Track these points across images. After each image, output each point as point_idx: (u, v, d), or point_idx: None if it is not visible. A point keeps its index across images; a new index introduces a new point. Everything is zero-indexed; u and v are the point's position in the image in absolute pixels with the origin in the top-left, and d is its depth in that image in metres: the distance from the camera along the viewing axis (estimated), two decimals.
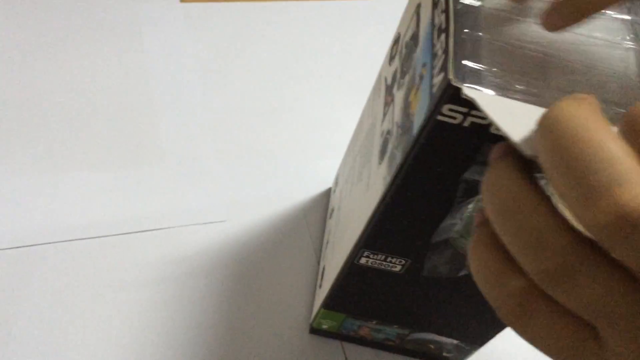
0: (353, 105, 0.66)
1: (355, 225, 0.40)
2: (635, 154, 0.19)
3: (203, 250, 0.53)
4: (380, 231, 0.36)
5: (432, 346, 0.48)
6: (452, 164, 0.30)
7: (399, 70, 0.39)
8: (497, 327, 0.44)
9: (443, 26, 0.30)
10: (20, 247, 0.51)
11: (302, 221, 0.57)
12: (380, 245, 0.38)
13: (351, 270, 0.41)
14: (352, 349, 0.50)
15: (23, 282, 0.49)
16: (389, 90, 0.41)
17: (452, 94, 0.27)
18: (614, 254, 0.18)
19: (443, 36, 0.29)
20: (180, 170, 0.58)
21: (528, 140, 0.22)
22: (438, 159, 0.30)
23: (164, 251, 0.53)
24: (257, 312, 0.50)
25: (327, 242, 0.52)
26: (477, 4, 0.31)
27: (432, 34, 0.32)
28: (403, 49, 0.40)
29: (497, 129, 0.23)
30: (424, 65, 0.32)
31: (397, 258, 0.39)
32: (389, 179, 0.33)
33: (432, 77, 0.29)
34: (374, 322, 0.46)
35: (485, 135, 0.28)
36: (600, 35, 0.33)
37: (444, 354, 0.49)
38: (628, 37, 0.34)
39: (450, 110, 0.27)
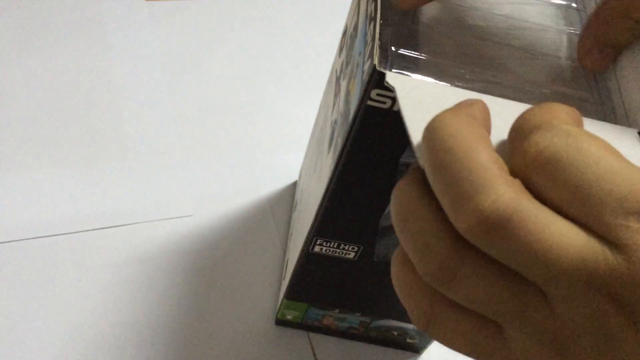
0: (318, 100, 0.66)
1: (310, 215, 0.41)
2: (501, 162, 0.20)
3: (169, 245, 0.54)
4: (330, 218, 0.37)
5: (395, 333, 0.49)
6: (387, 148, 0.31)
7: (344, 62, 0.40)
8: None
9: (372, 14, 0.30)
10: None
11: (269, 215, 0.58)
12: (331, 233, 0.38)
13: (307, 259, 0.41)
14: (319, 338, 0.51)
15: None
16: (337, 81, 0.42)
17: (378, 79, 0.27)
18: (487, 252, 0.20)
19: (372, 24, 0.30)
20: (145, 166, 0.58)
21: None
22: (373, 143, 0.31)
23: (129, 247, 0.53)
24: (224, 306, 0.51)
25: (291, 234, 0.53)
26: None
27: (365, 22, 0.33)
28: (348, 40, 0.40)
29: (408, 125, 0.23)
30: (359, 54, 0.33)
31: (350, 245, 0.39)
32: (333, 166, 0.34)
33: (363, 64, 0.30)
34: (336, 310, 0.47)
35: None
36: (535, 20, 0.34)
37: (408, 340, 0.50)
38: (561, 22, 0.35)
39: (379, 95, 0.28)
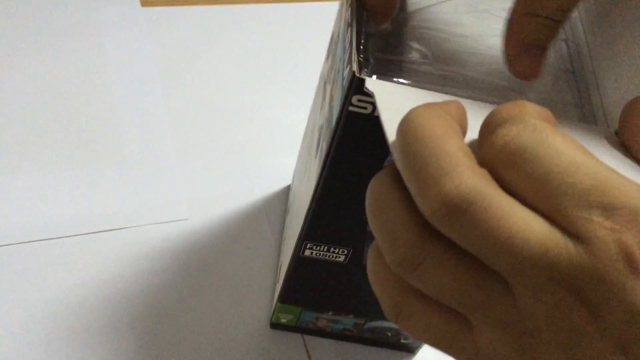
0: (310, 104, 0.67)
1: (300, 219, 0.41)
2: (469, 152, 0.21)
3: (165, 248, 0.54)
4: (318, 222, 0.38)
5: (389, 334, 0.49)
6: (371, 152, 0.31)
7: (330, 67, 0.40)
8: None
9: (349, 20, 0.31)
10: None
11: (263, 218, 0.58)
12: (320, 237, 0.39)
13: (298, 263, 0.42)
14: (314, 341, 0.51)
15: None
16: (324, 86, 0.42)
17: (358, 85, 0.28)
18: (453, 239, 0.20)
19: (349, 30, 0.30)
20: (141, 170, 0.59)
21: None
22: (356, 148, 0.31)
23: (125, 250, 0.53)
24: (219, 310, 0.51)
25: (285, 238, 0.53)
26: None
27: (344, 28, 0.33)
28: (333, 46, 0.41)
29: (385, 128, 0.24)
30: (340, 59, 0.33)
31: (340, 248, 0.40)
32: (319, 171, 0.35)
33: (343, 69, 0.30)
34: (330, 313, 0.47)
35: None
36: (501, 5, 0.34)
37: (402, 340, 0.50)
38: None
39: (360, 100, 0.29)
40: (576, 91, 0.32)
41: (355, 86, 0.28)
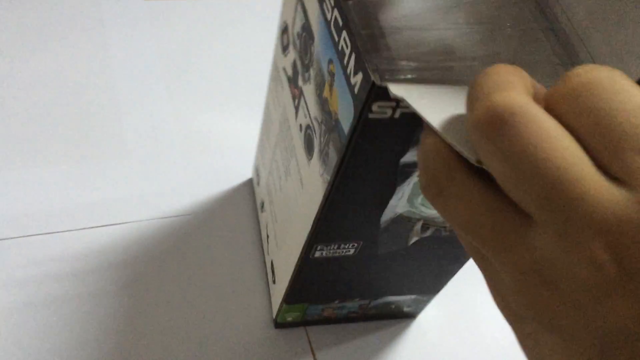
0: None
1: (301, 222, 0.40)
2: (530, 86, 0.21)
3: (162, 244, 0.54)
4: (330, 225, 0.37)
5: (392, 306, 0.50)
6: (389, 154, 0.31)
7: (298, 63, 0.39)
8: (450, 275, 0.46)
9: (340, 23, 0.30)
10: None
11: (233, 214, 0.57)
12: (331, 237, 0.38)
13: (307, 265, 0.41)
14: (316, 332, 0.51)
15: None
16: (293, 82, 0.41)
17: (378, 92, 0.27)
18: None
19: (344, 33, 0.29)
20: (143, 164, 0.58)
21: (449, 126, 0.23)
22: (375, 152, 0.31)
23: (125, 245, 0.53)
24: (215, 311, 0.50)
25: (268, 237, 0.52)
26: None
27: (328, 29, 0.32)
28: (296, 40, 0.39)
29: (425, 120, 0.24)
30: (330, 61, 0.32)
31: (350, 243, 0.39)
32: (327, 177, 0.34)
33: (347, 76, 0.29)
34: (336, 301, 0.47)
35: (416, 120, 0.29)
36: None
37: (404, 309, 0.51)
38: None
39: (380, 107, 0.28)
40: (557, 44, 0.32)
41: (376, 94, 0.27)
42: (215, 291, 0.52)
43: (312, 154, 0.37)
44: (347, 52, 0.29)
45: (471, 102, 0.20)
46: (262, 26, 0.73)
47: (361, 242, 0.39)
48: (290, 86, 0.42)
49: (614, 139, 0.18)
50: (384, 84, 0.26)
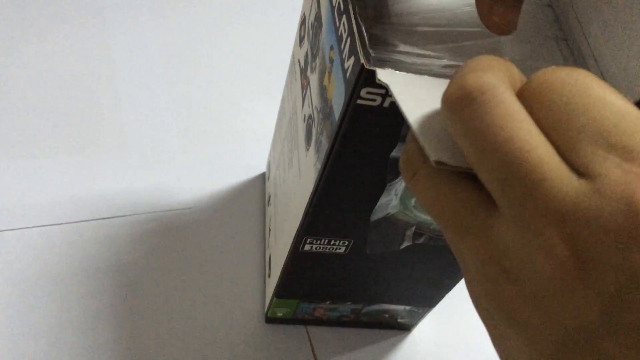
0: None
1: (294, 214, 0.40)
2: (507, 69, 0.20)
3: (166, 237, 0.53)
4: (319, 217, 0.36)
5: (386, 315, 0.49)
6: (379, 144, 0.30)
7: (309, 53, 0.39)
8: (445, 290, 0.45)
9: (342, 7, 0.29)
10: None
11: (243, 208, 0.56)
12: (321, 231, 0.38)
13: (297, 257, 0.41)
14: (316, 330, 0.50)
15: None
16: (303, 73, 0.41)
17: (367, 78, 0.26)
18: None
19: (344, 18, 0.29)
20: (143, 157, 0.58)
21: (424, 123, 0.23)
22: (364, 141, 0.30)
23: (126, 238, 0.52)
24: (210, 305, 0.50)
25: (269, 230, 0.52)
26: None
27: (332, 14, 0.31)
28: (309, 30, 0.39)
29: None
30: (331, 48, 0.32)
31: (340, 240, 0.39)
32: (319, 166, 0.33)
33: (342, 61, 0.29)
34: (328, 302, 0.47)
35: None
36: None
37: (399, 320, 0.50)
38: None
39: (369, 93, 0.27)
40: (569, 55, 0.31)
41: (364, 79, 0.26)
42: (212, 284, 0.51)
43: (310, 145, 0.36)
44: (344, 36, 0.29)
45: (453, 79, 0.20)
46: (269, 18, 0.72)
47: (352, 241, 0.39)
48: (301, 77, 0.42)
49: (574, 132, 0.18)
50: (372, 68, 0.26)
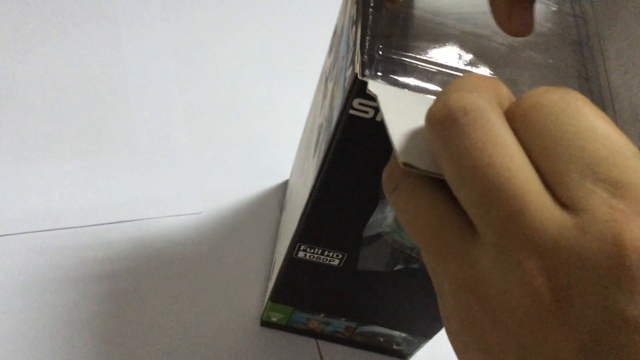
0: None
1: (294, 220, 0.40)
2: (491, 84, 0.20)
3: (174, 242, 0.53)
4: (313, 225, 0.36)
5: (381, 339, 0.48)
6: (372, 158, 0.30)
7: (332, 63, 0.39)
8: (442, 321, 0.44)
9: (354, 18, 0.29)
10: None
11: (260, 213, 0.57)
12: (315, 239, 0.38)
13: (291, 264, 0.40)
14: (327, 344, 0.50)
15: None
16: (325, 82, 0.41)
17: (360, 88, 0.26)
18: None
19: (354, 28, 0.29)
20: (154, 161, 0.58)
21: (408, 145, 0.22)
22: (357, 153, 0.30)
23: (133, 243, 0.53)
24: (212, 305, 0.50)
25: (279, 236, 0.52)
26: None
27: (349, 24, 0.31)
28: (336, 41, 0.39)
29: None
30: (343, 58, 0.32)
31: (334, 252, 0.38)
32: (316, 173, 0.33)
33: (345, 70, 0.29)
34: (322, 315, 0.46)
35: None
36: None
37: (394, 346, 0.49)
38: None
39: (361, 104, 0.27)
40: (582, 64, 0.31)
41: (357, 89, 0.26)
42: (217, 286, 0.51)
43: (315, 152, 0.36)
44: (352, 45, 0.29)
45: (438, 96, 0.20)
46: (283, 20, 0.71)
47: (346, 255, 0.38)
48: (324, 87, 0.42)
49: (561, 162, 0.17)
50: (365, 79, 0.26)
